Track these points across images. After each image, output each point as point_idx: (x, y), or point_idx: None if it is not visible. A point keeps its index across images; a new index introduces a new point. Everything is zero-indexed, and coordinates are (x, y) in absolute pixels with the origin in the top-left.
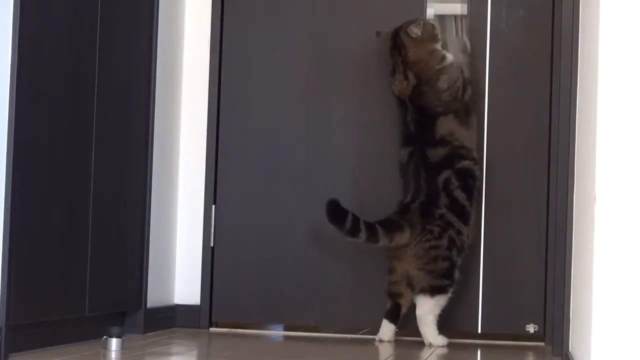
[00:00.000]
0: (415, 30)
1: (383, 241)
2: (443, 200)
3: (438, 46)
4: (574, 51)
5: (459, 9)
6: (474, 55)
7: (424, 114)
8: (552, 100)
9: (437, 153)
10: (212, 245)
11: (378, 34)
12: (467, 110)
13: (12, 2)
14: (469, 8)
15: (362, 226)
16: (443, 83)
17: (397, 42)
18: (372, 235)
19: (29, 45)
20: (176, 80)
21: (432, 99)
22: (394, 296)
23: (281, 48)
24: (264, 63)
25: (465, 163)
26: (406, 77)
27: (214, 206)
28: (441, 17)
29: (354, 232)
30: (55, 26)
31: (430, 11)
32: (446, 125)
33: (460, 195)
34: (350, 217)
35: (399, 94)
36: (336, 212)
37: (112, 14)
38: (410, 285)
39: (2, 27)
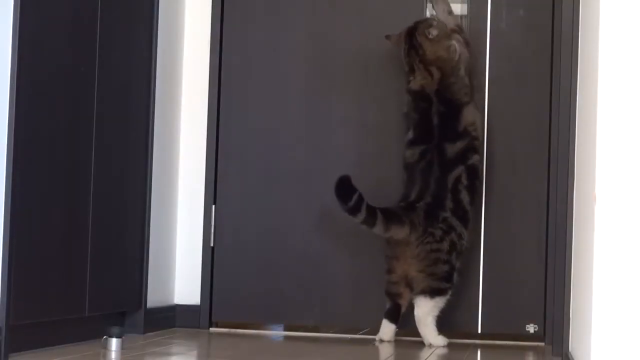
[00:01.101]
0: (434, 32)
1: (378, 228)
2: (448, 203)
3: (452, 42)
4: (574, 51)
5: (459, 9)
6: (474, 54)
7: (451, 104)
8: (552, 100)
9: (455, 148)
10: (212, 245)
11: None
12: (472, 90)
13: (12, 2)
14: (469, 8)
15: (364, 207)
16: (462, 71)
17: (413, 43)
18: (370, 218)
19: (29, 45)
20: (176, 80)
21: (459, 87)
22: (393, 296)
23: (281, 48)
24: (264, 63)
25: (476, 158)
26: (430, 73)
27: (214, 206)
28: None
29: (354, 210)
30: (55, 26)
31: (431, 11)
32: (470, 115)
33: (465, 198)
34: (356, 196)
35: (423, 88)
36: (345, 188)
37: (112, 14)
38: (409, 286)
39: (2, 27)
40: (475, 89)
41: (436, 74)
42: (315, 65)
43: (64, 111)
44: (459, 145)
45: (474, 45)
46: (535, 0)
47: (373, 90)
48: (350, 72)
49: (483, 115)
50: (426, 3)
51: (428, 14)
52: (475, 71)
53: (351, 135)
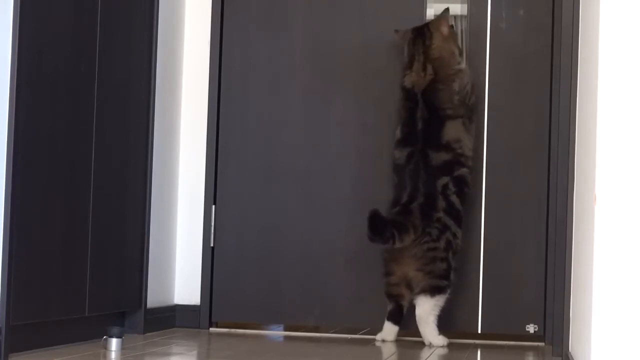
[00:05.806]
0: (445, 30)
1: (397, 243)
2: (441, 204)
3: (457, 50)
4: (574, 51)
5: (459, 9)
6: (474, 56)
7: (435, 113)
8: (552, 100)
9: (440, 157)
10: (212, 245)
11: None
12: (470, 116)
13: (12, 2)
14: (469, 8)
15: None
16: (456, 86)
17: (424, 33)
18: (392, 239)
19: (29, 45)
20: (176, 80)
21: (445, 98)
22: (395, 297)
23: (281, 48)
24: (264, 63)
25: (463, 171)
26: (424, 69)
27: (214, 206)
28: None
29: (389, 239)
30: (55, 26)
31: (430, 11)
32: (454, 131)
33: (456, 200)
34: (389, 229)
35: (412, 86)
36: (378, 223)
37: (112, 14)
38: (409, 286)
39: (2, 27)
40: (473, 118)
41: (429, 73)
42: (314, 65)
43: (64, 111)
44: (444, 156)
45: (473, 45)
46: (535, 0)
47: (373, 90)
48: (350, 72)
49: (476, 138)
50: (426, 3)
51: (427, 15)
52: (475, 93)
53: (350, 135)
